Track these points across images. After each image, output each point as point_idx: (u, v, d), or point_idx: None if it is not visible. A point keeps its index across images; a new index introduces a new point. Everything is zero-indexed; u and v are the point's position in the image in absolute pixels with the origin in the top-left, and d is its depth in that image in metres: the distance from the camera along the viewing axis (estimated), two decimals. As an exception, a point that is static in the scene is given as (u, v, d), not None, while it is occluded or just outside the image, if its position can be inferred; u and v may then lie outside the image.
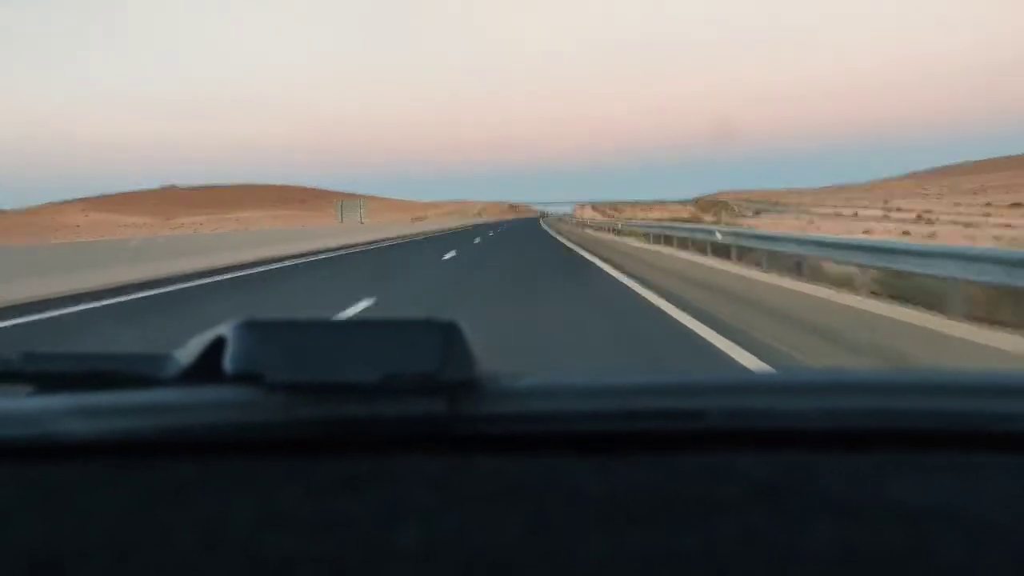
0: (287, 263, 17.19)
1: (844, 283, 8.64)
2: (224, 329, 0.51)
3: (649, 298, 9.15)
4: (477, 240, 30.64)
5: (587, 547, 0.45)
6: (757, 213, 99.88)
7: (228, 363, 0.49)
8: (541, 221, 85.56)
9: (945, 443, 0.52)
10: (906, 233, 38.06)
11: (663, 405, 0.53)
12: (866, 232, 34.42)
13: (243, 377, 0.49)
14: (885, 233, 35.67)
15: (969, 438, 0.52)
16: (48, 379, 0.59)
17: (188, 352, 0.56)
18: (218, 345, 0.51)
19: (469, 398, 0.51)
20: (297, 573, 0.44)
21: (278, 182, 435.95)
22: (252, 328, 0.50)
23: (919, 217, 64.73)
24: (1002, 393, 0.55)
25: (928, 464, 0.51)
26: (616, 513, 0.47)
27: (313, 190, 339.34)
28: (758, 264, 11.62)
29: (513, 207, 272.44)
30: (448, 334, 0.50)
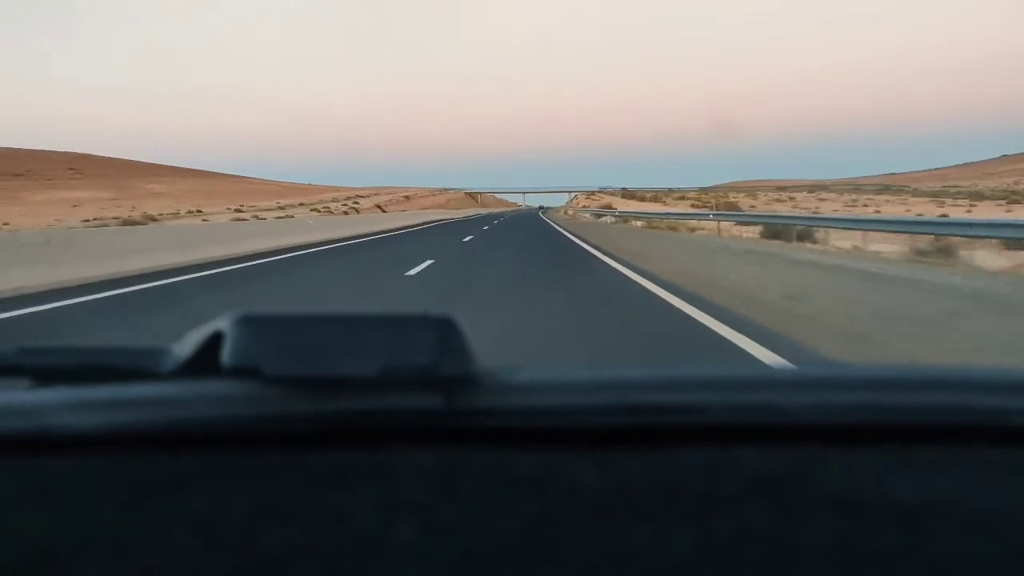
0: None
1: None
2: (222, 323, 0.51)
3: None
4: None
5: (586, 542, 0.45)
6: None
7: (225, 357, 0.49)
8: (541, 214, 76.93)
9: (943, 438, 0.52)
10: None
11: (663, 399, 0.53)
12: None
13: (240, 371, 0.49)
14: None
15: (966, 433, 0.52)
16: (45, 373, 0.59)
17: (186, 346, 0.56)
18: (216, 339, 0.52)
19: (466, 392, 0.50)
20: (293, 567, 0.44)
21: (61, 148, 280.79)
22: (249, 322, 0.50)
23: None
24: (999, 388, 0.55)
25: (926, 459, 0.51)
26: (615, 507, 0.46)
27: (111, 160, 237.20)
28: None
29: (472, 196, 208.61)
30: (445, 328, 0.50)
